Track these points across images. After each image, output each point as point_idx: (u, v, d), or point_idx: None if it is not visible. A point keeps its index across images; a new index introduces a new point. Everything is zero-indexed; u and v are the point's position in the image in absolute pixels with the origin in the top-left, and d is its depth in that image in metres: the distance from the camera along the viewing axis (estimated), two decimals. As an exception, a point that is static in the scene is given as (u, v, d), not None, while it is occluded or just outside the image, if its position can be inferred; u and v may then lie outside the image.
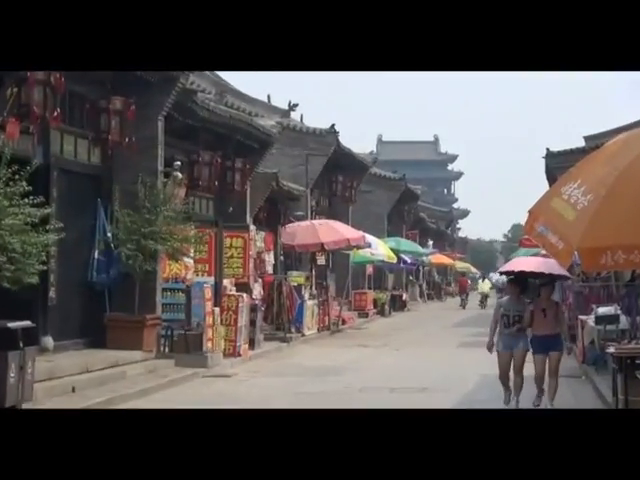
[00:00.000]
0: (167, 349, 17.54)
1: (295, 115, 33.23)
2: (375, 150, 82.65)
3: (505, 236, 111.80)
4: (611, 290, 19.50)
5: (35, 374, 11.54)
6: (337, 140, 32.19)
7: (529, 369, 12.82)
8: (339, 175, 34.75)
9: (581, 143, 27.75)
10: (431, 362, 19.92)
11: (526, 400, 12.63)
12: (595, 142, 20.50)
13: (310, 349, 23.47)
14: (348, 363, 19.50)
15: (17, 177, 12.06)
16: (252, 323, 20.61)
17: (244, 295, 20.15)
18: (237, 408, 9.57)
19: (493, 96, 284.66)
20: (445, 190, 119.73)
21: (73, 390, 13.29)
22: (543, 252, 17.71)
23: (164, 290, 18.03)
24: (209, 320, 17.94)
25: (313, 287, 28.63)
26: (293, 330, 24.93)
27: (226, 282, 20.22)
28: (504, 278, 16.98)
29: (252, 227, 22.78)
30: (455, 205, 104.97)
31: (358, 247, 29.94)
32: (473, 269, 74.95)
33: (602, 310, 16.97)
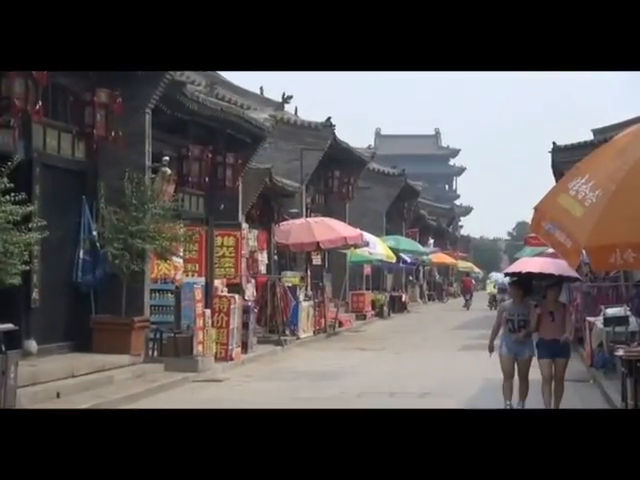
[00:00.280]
0: (156, 353, 17.48)
1: (289, 108, 33.11)
2: (373, 144, 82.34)
3: (509, 234, 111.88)
4: (620, 290, 19.50)
5: (18, 379, 11.56)
6: (333, 134, 32.04)
7: (534, 373, 12.56)
8: (336, 170, 34.64)
9: (589, 137, 27.59)
10: (432, 366, 19.88)
11: (532, 406, 12.30)
12: (604, 135, 20.65)
13: (305, 353, 23.43)
14: (345, 367, 19.44)
15: (-2, 173, 12.11)
16: (245, 325, 20.53)
17: (236, 296, 20.03)
18: (228, 408, 9.52)
19: (496, 87, 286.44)
20: (446, 186, 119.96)
21: (58, 396, 13.18)
22: (549, 251, 17.57)
23: (152, 291, 18.00)
24: (200, 322, 17.82)
25: (308, 288, 28.61)
26: (288, 333, 24.84)
27: (217, 283, 20.09)
28: (507, 278, 16.93)
29: (244, 225, 22.71)
30: (457, 202, 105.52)
31: (355, 246, 29.78)
32: (476, 269, 75.14)
33: (611, 311, 16.85)
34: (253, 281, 23.54)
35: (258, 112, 25.03)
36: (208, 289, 19.33)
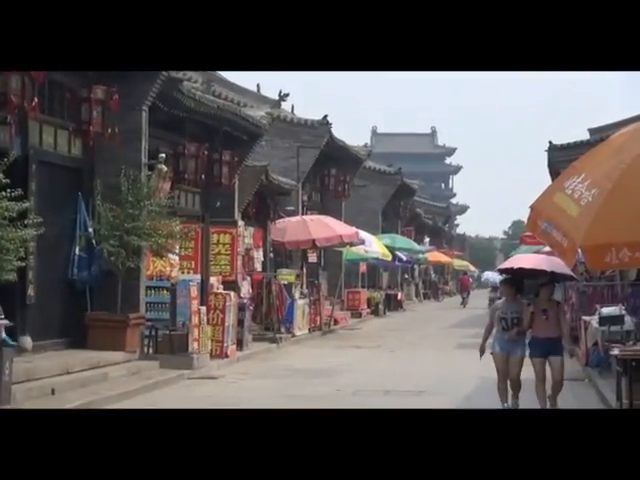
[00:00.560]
0: (151, 350, 17.42)
1: (286, 106, 32.99)
2: (369, 142, 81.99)
3: (505, 233, 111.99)
4: (616, 289, 19.51)
5: (13, 375, 11.54)
6: (330, 132, 31.98)
7: (528, 373, 12.45)
8: (332, 169, 34.57)
9: (586, 136, 27.61)
10: (428, 364, 19.85)
11: (526, 404, 12.21)
12: (600, 135, 20.77)
13: (301, 350, 23.40)
14: (341, 365, 19.39)
15: (-6, 170, 12.06)
16: (240, 323, 20.52)
17: (232, 294, 19.97)
18: (223, 408, 9.69)
19: (493, 86, 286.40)
20: (443, 185, 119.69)
21: (52, 392, 13.13)
22: (545, 249, 17.57)
23: (148, 288, 17.89)
24: (195, 320, 17.78)
25: (304, 286, 28.47)
26: (283, 330, 24.86)
27: (213, 280, 20.05)
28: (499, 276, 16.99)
29: (240, 222, 22.66)
30: (453, 200, 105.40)
31: (351, 244, 29.73)
32: (472, 267, 75.09)
33: (606, 310, 16.83)
34: (249, 278, 23.49)
35: (255, 110, 24.89)
36: (204, 286, 19.33)
